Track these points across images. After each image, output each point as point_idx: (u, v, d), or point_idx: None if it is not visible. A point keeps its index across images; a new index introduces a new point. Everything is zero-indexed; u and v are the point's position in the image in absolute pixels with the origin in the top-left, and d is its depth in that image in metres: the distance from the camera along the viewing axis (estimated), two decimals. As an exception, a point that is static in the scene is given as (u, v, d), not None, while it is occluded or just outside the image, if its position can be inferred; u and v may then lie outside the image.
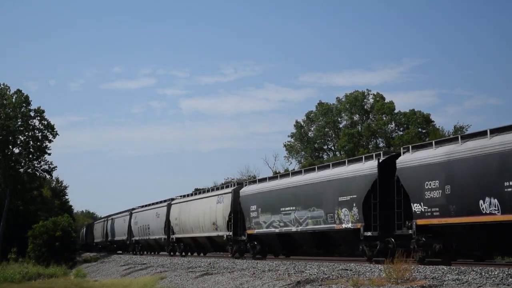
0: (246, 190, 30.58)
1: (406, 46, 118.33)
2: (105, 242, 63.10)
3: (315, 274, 17.79)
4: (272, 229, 27.45)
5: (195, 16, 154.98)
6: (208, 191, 37.24)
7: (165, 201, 43.33)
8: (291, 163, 61.92)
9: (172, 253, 41.28)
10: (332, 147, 61.57)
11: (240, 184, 32.89)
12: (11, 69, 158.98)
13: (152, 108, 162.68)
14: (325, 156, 60.38)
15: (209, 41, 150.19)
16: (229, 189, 32.46)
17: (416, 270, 15.58)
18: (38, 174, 55.56)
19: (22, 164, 54.77)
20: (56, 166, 55.86)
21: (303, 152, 61.56)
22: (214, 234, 33.88)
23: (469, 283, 13.27)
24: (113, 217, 60.51)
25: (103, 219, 68.08)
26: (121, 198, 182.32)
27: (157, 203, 45.58)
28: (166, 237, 41.88)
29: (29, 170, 54.81)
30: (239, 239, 31.00)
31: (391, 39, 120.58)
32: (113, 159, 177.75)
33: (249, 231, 29.70)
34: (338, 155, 57.43)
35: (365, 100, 59.57)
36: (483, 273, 14.21)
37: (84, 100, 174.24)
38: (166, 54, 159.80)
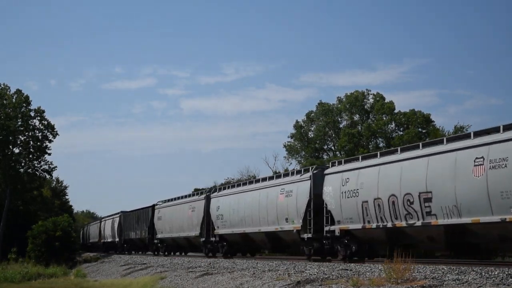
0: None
1: (407, 46, 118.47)
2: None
3: (315, 274, 17.79)
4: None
5: (196, 16, 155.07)
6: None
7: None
8: (291, 163, 61.96)
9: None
10: (332, 147, 61.57)
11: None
12: (12, 69, 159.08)
13: (152, 108, 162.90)
14: (325, 156, 60.37)
15: (210, 41, 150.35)
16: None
17: (416, 270, 15.58)
18: (38, 174, 55.57)
19: (22, 164, 54.78)
20: (56, 166, 55.97)
21: (303, 152, 61.56)
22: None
23: (469, 283, 13.27)
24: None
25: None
26: (121, 198, 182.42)
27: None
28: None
29: (29, 170, 54.82)
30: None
31: (392, 39, 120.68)
32: (113, 159, 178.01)
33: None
34: (338, 155, 57.42)
35: (365, 100, 59.58)
36: (483, 273, 14.21)
37: (84, 100, 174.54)
38: (167, 54, 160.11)
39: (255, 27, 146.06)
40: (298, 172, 27.48)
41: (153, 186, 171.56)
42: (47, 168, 55.49)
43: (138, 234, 49.49)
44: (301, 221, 25.32)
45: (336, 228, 23.11)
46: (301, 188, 25.76)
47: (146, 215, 47.34)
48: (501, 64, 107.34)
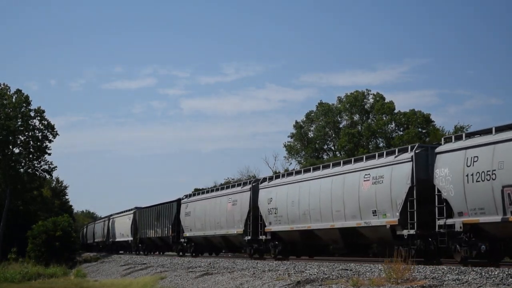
0: None
1: (408, 46, 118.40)
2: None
3: (315, 274, 17.79)
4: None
5: (196, 16, 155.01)
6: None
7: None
8: (290, 163, 61.95)
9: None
10: (332, 147, 61.58)
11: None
12: (12, 69, 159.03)
13: (153, 108, 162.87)
14: (325, 156, 60.38)
15: (210, 41, 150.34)
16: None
17: (416, 270, 15.58)
18: (38, 174, 55.55)
19: (22, 164, 54.76)
20: (56, 166, 55.92)
21: (303, 152, 61.57)
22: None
23: (469, 283, 13.27)
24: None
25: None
26: (121, 198, 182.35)
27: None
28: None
29: (29, 170, 54.80)
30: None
31: (392, 39, 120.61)
32: (114, 159, 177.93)
33: None
34: (338, 155, 57.43)
35: (365, 100, 59.60)
36: (483, 273, 14.21)
37: (84, 100, 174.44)
38: (167, 54, 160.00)
39: (255, 27, 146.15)
40: (390, 153, 22.05)
41: (153, 186, 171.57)
42: (47, 168, 55.50)
43: (159, 232, 43.88)
44: (398, 214, 20.44)
45: (457, 221, 18.15)
46: (398, 172, 20.78)
47: (170, 210, 41.68)
48: (501, 64, 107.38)
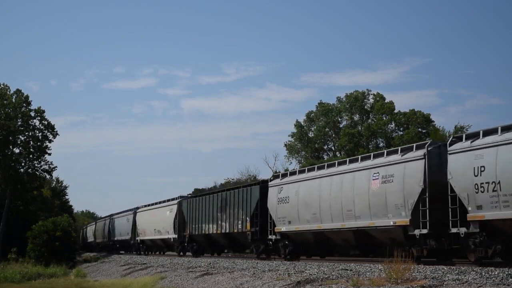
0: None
1: (408, 46, 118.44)
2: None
3: (315, 274, 17.79)
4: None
5: (197, 16, 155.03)
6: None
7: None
8: (291, 163, 62.02)
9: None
10: (332, 147, 61.63)
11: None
12: (12, 69, 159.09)
13: (153, 108, 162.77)
14: (325, 156, 60.41)
15: (211, 41, 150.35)
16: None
17: (416, 270, 15.58)
18: (38, 174, 55.54)
19: (22, 164, 54.75)
20: (56, 166, 55.90)
21: (303, 152, 61.62)
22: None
23: (469, 283, 13.27)
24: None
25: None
26: (121, 198, 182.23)
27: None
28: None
29: (29, 170, 54.78)
30: None
31: (393, 39, 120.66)
32: (114, 159, 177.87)
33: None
34: (338, 155, 57.47)
35: (365, 100, 59.65)
36: (483, 273, 14.21)
37: (85, 100, 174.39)
38: (167, 54, 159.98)
39: (256, 27, 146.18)
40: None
41: (153, 186, 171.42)
42: (47, 168, 55.47)
43: (226, 227, 33.24)
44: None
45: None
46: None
47: (246, 198, 31.10)
48: (502, 63, 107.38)
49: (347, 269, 18.13)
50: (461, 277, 14.06)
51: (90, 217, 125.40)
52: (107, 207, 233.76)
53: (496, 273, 14.09)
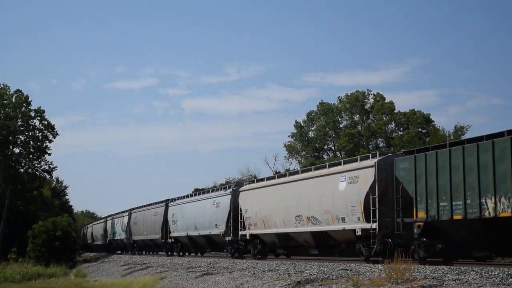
0: None
1: (409, 46, 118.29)
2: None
3: (315, 274, 17.79)
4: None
5: (198, 16, 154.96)
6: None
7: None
8: (291, 163, 62.00)
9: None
10: (333, 147, 61.62)
11: None
12: (13, 69, 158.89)
13: (154, 108, 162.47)
14: (325, 156, 60.41)
15: (212, 41, 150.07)
16: None
17: (416, 270, 15.58)
18: (38, 174, 55.55)
19: (22, 164, 54.76)
20: (56, 166, 55.92)
21: (303, 152, 61.61)
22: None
23: (469, 283, 13.27)
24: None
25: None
26: (121, 198, 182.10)
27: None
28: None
29: (29, 170, 54.80)
30: None
31: (394, 39, 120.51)
32: (114, 159, 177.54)
33: None
34: (339, 155, 57.46)
35: (365, 100, 59.65)
36: (483, 273, 14.20)
37: (86, 100, 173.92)
38: (168, 54, 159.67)
39: (256, 27, 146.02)
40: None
41: (153, 186, 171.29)
42: (47, 168, 55.48)
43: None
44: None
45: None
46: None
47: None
48: (503, 63, 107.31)
49: (347, 269, 18.12)
50: (461, 277, 14.06)
51: (90, 217, 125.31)
52: (107, 207, 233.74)
53: (496, 273, 14.09)
